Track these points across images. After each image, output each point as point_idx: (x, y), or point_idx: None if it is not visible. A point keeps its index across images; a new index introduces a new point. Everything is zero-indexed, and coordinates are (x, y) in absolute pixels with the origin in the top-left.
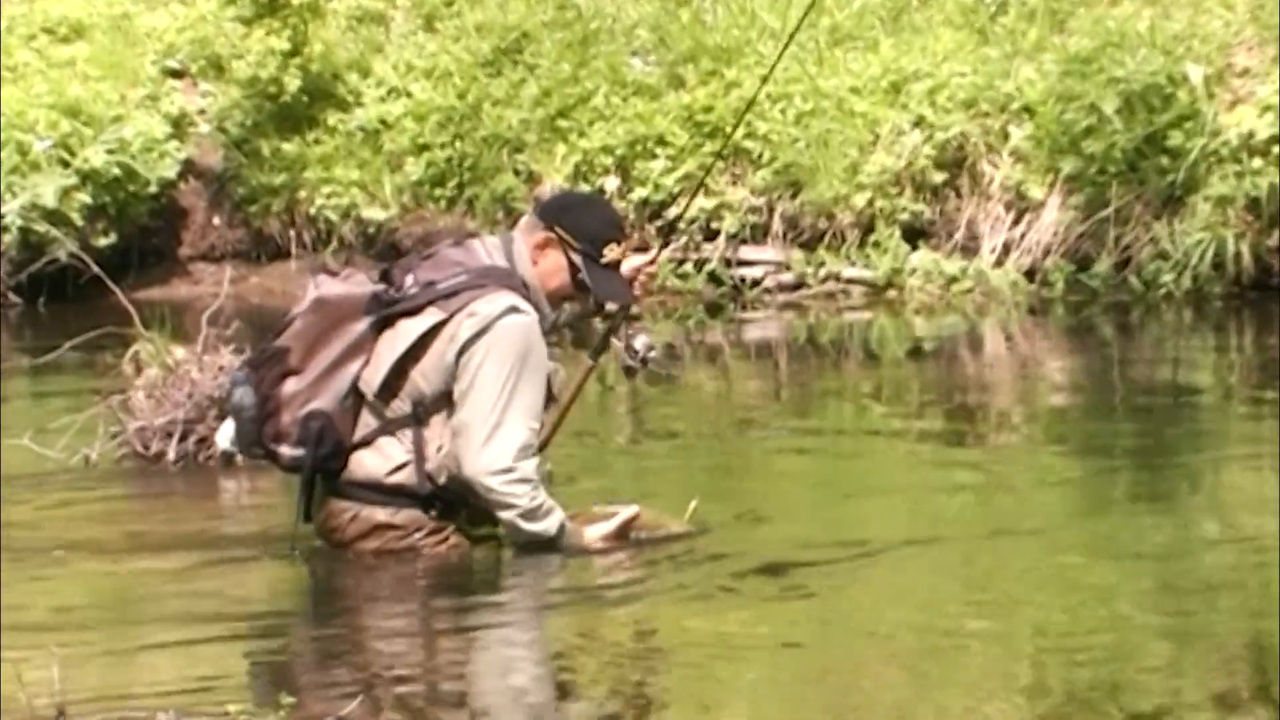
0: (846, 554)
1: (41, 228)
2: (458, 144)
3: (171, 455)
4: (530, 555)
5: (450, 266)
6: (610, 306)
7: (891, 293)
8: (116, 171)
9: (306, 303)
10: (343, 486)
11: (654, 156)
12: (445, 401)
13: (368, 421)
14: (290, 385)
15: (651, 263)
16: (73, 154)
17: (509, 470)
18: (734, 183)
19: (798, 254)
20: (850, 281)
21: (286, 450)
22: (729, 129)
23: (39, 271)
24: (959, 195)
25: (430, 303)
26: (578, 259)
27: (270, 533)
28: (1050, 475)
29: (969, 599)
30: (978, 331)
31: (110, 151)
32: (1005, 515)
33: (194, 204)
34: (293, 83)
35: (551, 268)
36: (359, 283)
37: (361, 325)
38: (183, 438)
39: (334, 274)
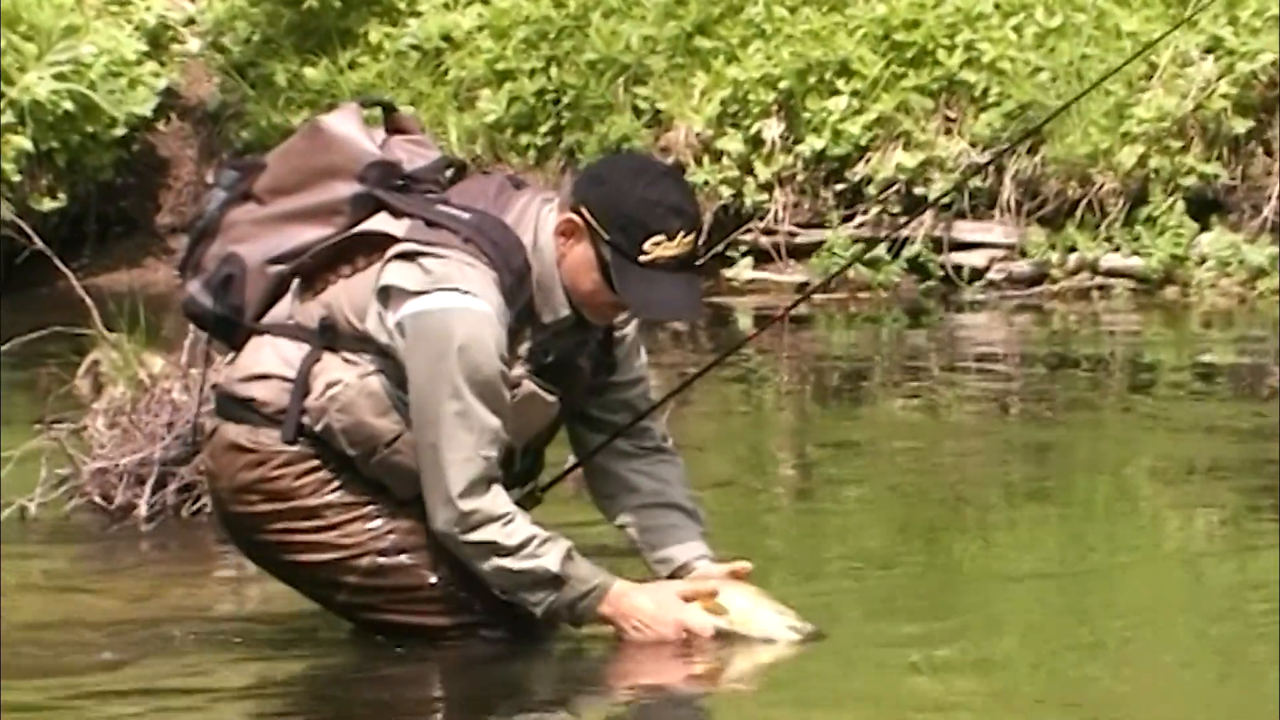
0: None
1: None
2: (554, 71)
3: (143, 509)
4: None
5: (475, 198)
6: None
7: (1170, 290)
8: (69, 106)
9: (307, 126)
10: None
11: (834, 92)
12: (361, 344)
13: (277, 311)
14: (239, 211)
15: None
16: (8, 81)
17: (464, 516)
18: (947, 131)
19: (1037, 234)
20: (1112, 274)
21: (193, 285)
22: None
23: None
24: (1269, 153)
25: (413, 215)
26: (607, 253)
27: (291, 627)
28: None
29: None
30: None
31: (60, 77)
32: None
33: (178, 153)
34: None
35: (579, 263)
36: (405, 146)
37: (345, 190)
38: (160, 484)
39: (382, 113)
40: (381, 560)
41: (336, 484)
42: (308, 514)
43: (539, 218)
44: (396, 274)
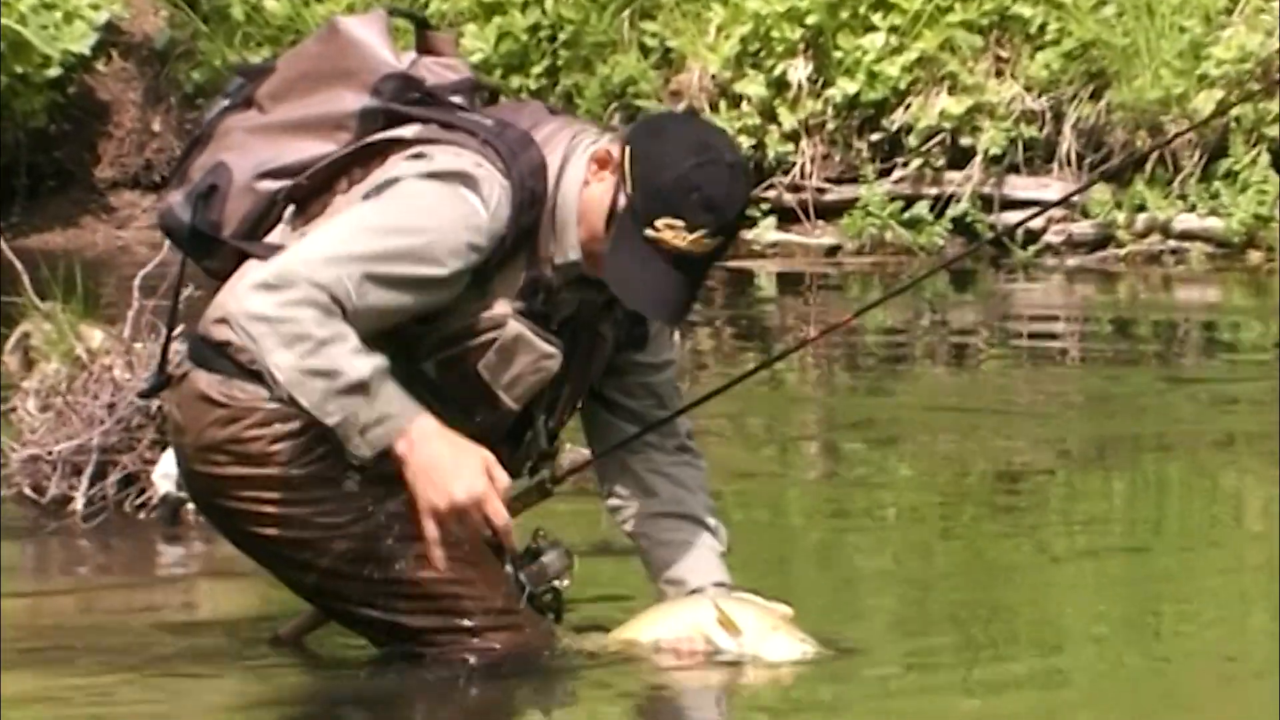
0: None
1: None
2: (548, 4)
3: (80, 503)
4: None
5: (512, 115)
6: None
7: (1254, 255)
8: None
9: (324, 27)
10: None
11: (869, 28)
12: None
13: (268, 240)
14: (236, 118)
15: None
16: None
17: (279, 289)
18: (998, 73)
19: (1101, 190)
20: (1186, 236)
21: (175, 196)
22: None
23: None
24: None
25: (428, 121)
26: (619, 207)
27: (244, 636)
28: None
29: None
30: None
31: None
32: None
33: (120, 97)
34: None
35: (597, 198)
36: (434, 68)
37: (355, 103)
38: (99, 475)
39: (415, 29)
40: (359, 547)
41: (318, 453)
42: (281, 484)
43: (569, 144)
44: (393, 169)
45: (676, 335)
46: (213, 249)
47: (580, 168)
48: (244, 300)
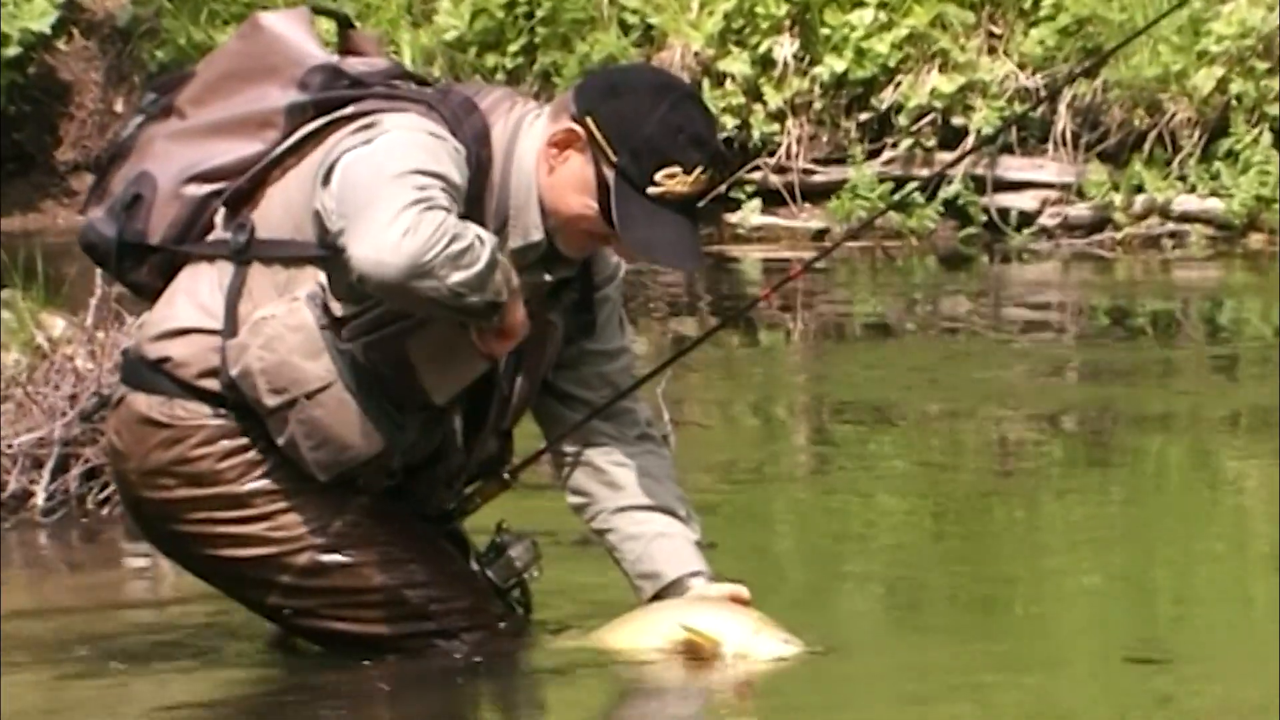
0: None
1: None
2: None
3: (41, 497)
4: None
5: (453, 94)
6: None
7: (1256, 238)
8: None
9: (245, 25)
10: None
11: (858, 4)
12: (296, 252)
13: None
14: (157, 127)
15: None
16: None
17: (394, 229)
18: (991, 50)
19: (1097, 171)
20: (1186, 218)
21: (95, 212)
22: None
23: None
24: None
25: (362, 98)
26: (610, 176)
27: (212, 635)
28: None
29: None
30: None
31: None
32: None
33: (82, 77)
34: None
35: (571, 180)
36: (359, 66)
37: (283, 98)
38: (60, 468)
39: (337, 29)
40: (321, 558)
41: (269, 466)
42: (233, 502)
43: (512, 116)
44: (342, 142)
45: (629, 327)
46: (141, 260)
47: (532, 147)
48: (384, 254)
